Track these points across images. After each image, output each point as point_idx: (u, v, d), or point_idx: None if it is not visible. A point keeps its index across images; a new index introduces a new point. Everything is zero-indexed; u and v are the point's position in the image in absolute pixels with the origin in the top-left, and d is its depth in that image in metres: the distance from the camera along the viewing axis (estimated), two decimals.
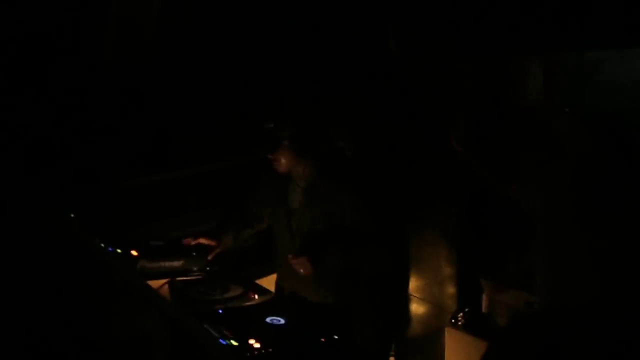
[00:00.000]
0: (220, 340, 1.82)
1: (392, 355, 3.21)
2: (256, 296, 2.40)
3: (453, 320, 2.84)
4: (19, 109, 3.18)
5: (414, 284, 3.19)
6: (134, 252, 2.49)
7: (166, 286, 2.35)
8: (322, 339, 1.94)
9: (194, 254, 2.59)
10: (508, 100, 2.84)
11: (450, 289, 3.02)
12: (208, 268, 2.62)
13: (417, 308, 3.16)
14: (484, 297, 2.79)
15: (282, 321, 2.03)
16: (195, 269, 2.55)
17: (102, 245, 2.49)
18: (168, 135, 3.49)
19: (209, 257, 2.63)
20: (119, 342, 2.25)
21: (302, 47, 3.41)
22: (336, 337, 1.97)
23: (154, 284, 2.29)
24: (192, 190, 3.48)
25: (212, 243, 2.67)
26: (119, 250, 2.48)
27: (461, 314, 2.83)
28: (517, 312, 2.52)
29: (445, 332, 2.88)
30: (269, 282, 2.72)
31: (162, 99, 3.49)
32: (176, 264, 2.51)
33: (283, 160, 2.51)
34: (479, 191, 2.80)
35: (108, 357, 2.22)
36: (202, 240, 2.68)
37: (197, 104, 3.51)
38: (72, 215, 2.82)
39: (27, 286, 2.61)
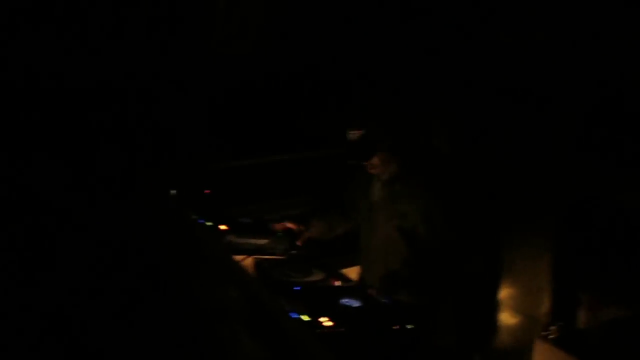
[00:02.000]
0: (292, 314, 1.82)
1: None
2: (337, 283, 2.39)
3: (544, 334, 2.66)
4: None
5: (504, 292, 3.01)
6: (223, 227, 2.57)
7: (250, 262, 2.41)
8: (395, 327, 1.89)
9: (280, 234, 2.64)
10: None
11: (544, 300, 2.82)
12: (294, 251, 2.65)
13: (506, 318, 2.98)
14: (582, 311, 2.58)
15: (357, 304, 2.01)
16: (280, 249, 2.58)
17: (194, 217, 2.59)
18: (271, 121, 3.58)
19: (299, 242, 2.66)
20: (202, 311, 2.32)
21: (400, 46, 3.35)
22: (410, 327, 1.90)
23: (239, 259, 2.34)
24: (289, 176, 3.54)
25: (301, 227, 2.70)
26: (209, 224, 2.58)
27: (554, 327, 2.64)
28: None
29: (535, 346, 2.69)
30: (355, 273, 2.70)
31: (269, 86, 3.60)
32: (262, 242, 2.56)
33: (378, 164, 2.48)
34: (584, 198, 2.61)
35: (190, 324, 2.29)
36: (289, 225, 2.72)
37: (302, 93, 3.59)
38: (173, 192, 2.96)
39: (127, 255, 2.78)
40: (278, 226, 2.66)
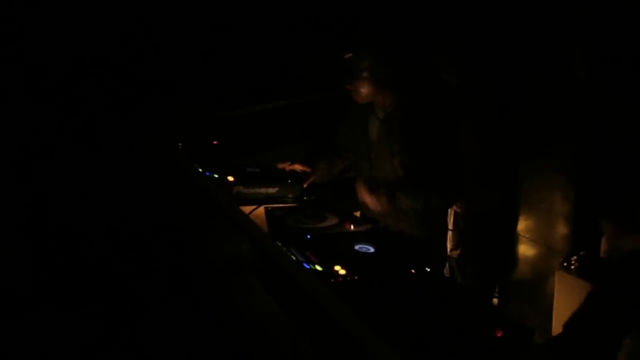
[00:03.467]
0: (305, 265, 1.78)
1: (496, 297, 3.05)
2: (352, 227, 2.33)
3: (565, 264, 2.60)
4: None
5: (523, 223, 2.96)
6: (230, 178, 2.51)
7: (261, 211, 2.36)
8: (413, 270, 1.84)
9: (289, 181, 2.57)
10: None
11: (564, 230, 2.76)
12: (305, 197, 2.59)
13: (525, 249, 2.94)
14: (603, 240, 2.51)
15: (372, 249, 1.95)
16: (290, 196, 2.53)
17: (201, 170, 2.53)
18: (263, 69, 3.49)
19: (304, 185, 2.61)
20: (214, 264, 2.31)
21: None
22: (428, 269, 1.85)
23: (249, 209, 2.29)
24: (289, 122, 3.46)
25: (307, 169, 2.65)
26: (215, 176, 2.51)
27: (575, 257, 2.57)
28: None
29: (556, 276, 2.65)
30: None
31: (256, 33, 3.48)
32: (271, 190, 2.49)
33: (362, 91, 2.39)
34: (604, 125, 2.49)
35: (203, 278, 2.28)
36: (297, 166, 2.67)
37: (290, 36, 3.47)
38: (180, 144, 2.90)
39: (135, 208, 2.77)
40: (285, 165, 2.61)
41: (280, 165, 2.59)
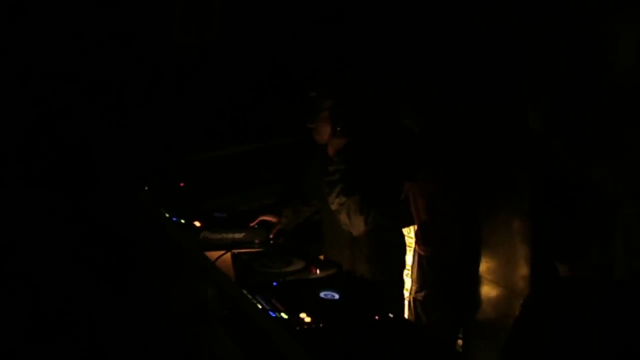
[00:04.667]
0: (270, 313, 1.79)
1: (460, 338, 3.08)
2: (318, 271, 2.36)
3: None
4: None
5: (485, 265, 3.02)
6: (197, 223, 2.52)
7: (227, 257, 2.38)
8: (377, 317, 1.87)
9: (256, 226, 2.60)
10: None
11: (524, 272, 2.83)
12: (271, 241, 2.62)
13: (488, 290, 3.00)
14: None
15: (336, 296, 1.98)
16: (256, 241, 2.55)
17: (167, 215, 2.54)
18: (232, 111, 3.54)
19: (270, 235, 2.64)
20: (179, 310, 2.30)
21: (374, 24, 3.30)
22: (391, 315, 1.89)
23: (215, 254, 2.31)
24: (255, 166, 3.51)
25: (274, 219, 2.68)
26: (182, 221, 2.53)
27: None
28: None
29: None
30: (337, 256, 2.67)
31: (226, 76, 3.55)
32: (238, 235, 2.52)
33: (322, 130, 2.47)
34: (559, 171, 2.60)
35: (168, 324, 2.27)
36: (265, 217, 2.70)
37: (260, 81, 3.54)
38: (146, 188, 2.91)
39: (99, 250, 2.74)
40: (253, 223, 2.62)
41: (250, 224, 2.62)
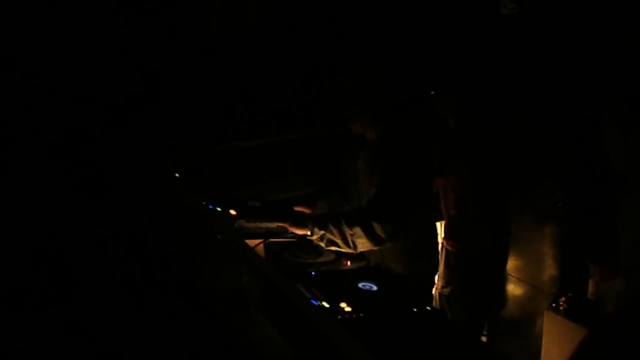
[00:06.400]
0: (312, 301, 1.83)
1: (484, 335, 3.11)
2: (349, 262, 2.40)
3: (554, 305, 2.69)
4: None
5: (513, 263, 3.05)
6: (232, 212, 2.56)
7: (261, 246, 2.42)
8: (415, 309, 1.91)
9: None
10: None
11: (553, 272, 2.86)
12: None
13: (514, 289, 3.03)
14: (591, 282, 2.61)
15: (375, 287, 2.02)
16: (290, 232, 2.58)
17: (204, 203, 2.58)
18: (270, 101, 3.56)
19: None
20: (217, 297, 2.34)
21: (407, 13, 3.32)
22: (429, 308, 1.92)
23: (250, 243, 2.34)
24: (293, 155, 3.53)
25: (307, 211, 2.70)
26: (219, 209, 2.57)
27: (563, 298, 2.67)
28: (627, 301, 2.35)
29: (545, 317, 2.73)
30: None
31: (264, 66, 3.57)
32: (272, 225, 2.55)
33: (358, 121, 2.48)
34: (593, 170, 2.61)
35: (206, 310, 2.31)
36: (298, 208, 2.72)
37: (298, 72, 3.56)
38: (177, 175, 2.94)
39: (134, 241, 2.79)
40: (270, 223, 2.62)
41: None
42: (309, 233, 2.39)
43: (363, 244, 2.36)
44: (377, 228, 2.32)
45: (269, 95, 3.61)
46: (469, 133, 2.84)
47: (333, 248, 2.39)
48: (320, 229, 2.36)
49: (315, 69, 3.53)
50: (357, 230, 2.32)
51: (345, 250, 2.39)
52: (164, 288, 2.48)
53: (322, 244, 2.38)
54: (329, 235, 2.35)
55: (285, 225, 2.45)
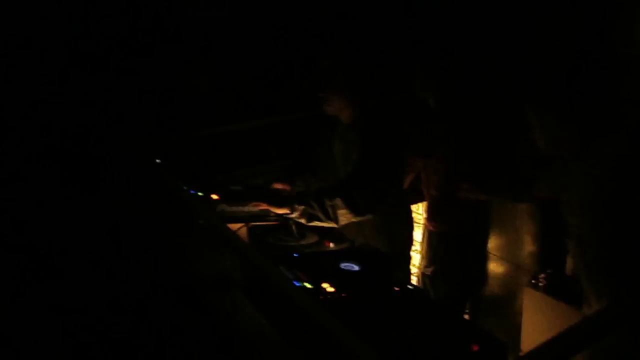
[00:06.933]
0: (295, 282, 1.84)
1: (466, 313, 3.16)
2: (332, 244, 2.41)
3: (533, 281, 2.74)
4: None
5: (493, 242, 3.09)
6: (214, 196, 2.56)
7: (244, 230, 2.42)
8: (396, 288, 1.93)
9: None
10: None
11: (532, 249, 2.90)
12: (285, 215, 2.65)
13: (495, 267, 3.08)
14: (569, 259, 2.66)
15: (356, 268, 2.04)
16: (272, 215, 2.59)
17: (185, 188, 2.57)
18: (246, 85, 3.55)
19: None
20: (200, 281, 2.34)
21: None
22: (411, 286, 1.95)
23: (232, 227, 2.34)
24: (270, 140, 3.53)
25: (287, 188, 2.71)
26: (200, 194, 2.56)
27: (543, 275, 2.72)
28: None
29: (524, 293, 2.78)
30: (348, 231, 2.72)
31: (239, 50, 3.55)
32: (254, 209, 2.55)
33: (334, 101, 2.49)
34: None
35: (190, 295, 2.31)
36: (278, 185, 2.73)
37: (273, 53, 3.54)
38: (158, 161, 2.93)
39: (115, 228, 2.77)
40: (252, 205, 2.62)
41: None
42: (289, 211, 2.40)
43: (344, 215, 2.39)
44: (357, 197, 2.36)
45: (246, 81, 3.59)
46: (450, 114, 2.86)
47: (315, 223, 2.41)
48: (300, 205, 2.37)
49: (288, 54, 3.52)
50: (338, 201, 2.35)
51: (327, 224, 2.42)
52: (147, 274, 2.47)
53: (304, 221, 2.40)
54: (309, 210, 2.37)
55: (265, 205, 2.47)
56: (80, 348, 2.23)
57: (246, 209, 2.53)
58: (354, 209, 2.37)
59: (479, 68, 2.89)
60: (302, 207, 2.38)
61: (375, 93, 2.62)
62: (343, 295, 1.83)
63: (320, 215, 2.38)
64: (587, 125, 2.03)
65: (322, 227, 2.48)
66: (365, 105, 2.55)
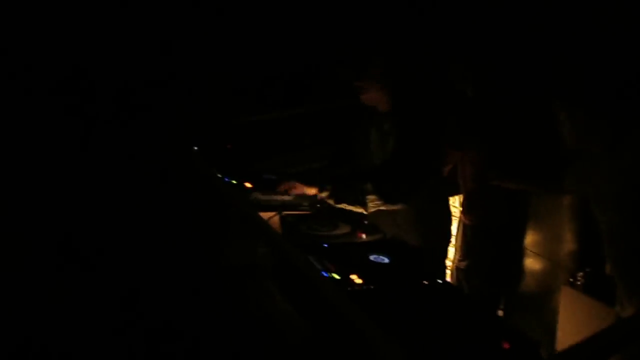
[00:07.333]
0: (323, 273, 1.84)
1: (501, 309, 3.11)
2: (364, 235, 2.40)
3: (571, 280, 2.67)
4: None
5: (531, 238, 3.02)
6: (248, 184, 2.57)
7: (276, 218, 2.43)
8: (425, 282, 1.90)
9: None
10: None
11: (571, 247, 2.82)
12: (318, 205, 2.65)
13: (532, 264, 3.00)
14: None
15: (386, 260, 2.02)
16: (305, 204, 2.59)
17: (219, 176, 2.60)
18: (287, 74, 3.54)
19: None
20: (230, 268, 2.37)
21: None
22: (440, 281, 1.92)
23: (265, 215, 2.36)
24: (309, 129, 3.52)
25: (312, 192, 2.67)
26: (234, 182, 2.58)
27: (581, 273, 2.64)
28: None
29: (562, 292, 2.71)
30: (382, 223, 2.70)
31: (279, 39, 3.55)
32: (287, 198, 2.56)
33: (370, 91, 2.45)
34: None
35: (219, 281, 2.34)
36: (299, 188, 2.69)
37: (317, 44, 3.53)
38: (195, 148, 2.96)
39: (150, 213, 2.82)
40: (283, 187, 2.61)
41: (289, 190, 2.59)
42: (318, 191, 2.41)
43: (372, 202, 2.37)
44: (388, 184, 2.34)
45: (281, 70, 3.59)
46: (487, 105, 2.80)
47: (343, 206, 2.40)
48: (330, 185, 2.38)
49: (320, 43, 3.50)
50: (367, 186, 2.33)
51: (355, 209, 2.40)
52: (179, 260, 2.51)
53: (332, 202, 2.40)
54: (338, 191, 2.37)
55: (295, 185, 2.48)
56: (111, 338, 2.29)
57: (279, 197, 2.53)
58: (383, 196, 2.35)
59: (514, 61, 2.81)
60: (330, 188, 2.36)
61: (412, 83, 2.58)
62: (371, 287, 1.81)
63: (349, 197, 2.36)
64: (618, 121, 1.97)
65: (355, 216, 2.47)
66: (402, 95, 2.52)
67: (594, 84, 2.03)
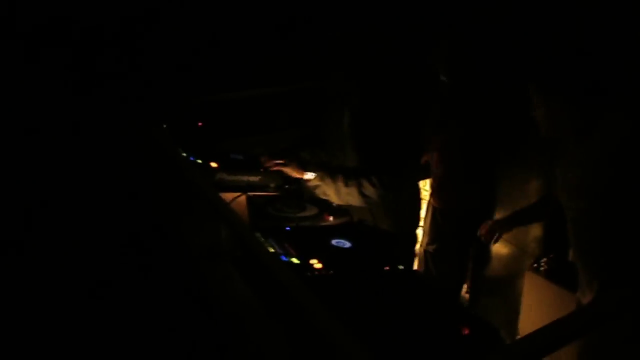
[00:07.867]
0: (282, 257, 1.81)
1: (467, 292, 3.13)
2: (331, 218, 2.38)
3: (535, 265, 2.68)
4: None
5: None
6: (213, 164, 2.53)
7: (242, 199, 2.39)
8: (386, 267, 1.89)
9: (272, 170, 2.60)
10: None
11: (536, 233, 2.84)
12: (286, 186, 2.62)
13: (499, 248, 3.02)
14: None
15: (348, 245, 2.00)
16: (272, 185, 2.55)
17: (184, 154, 2.55)
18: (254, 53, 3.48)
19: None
20: (193, 250, 2.34)
21: None
22: (401, 267, 1.90)
23: (229, 196, 2.32)
24: (278, 109, 3.48)
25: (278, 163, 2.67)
26: (199, 161, 2.53)
27: (545, 259, 2.66)
28: None
29: (526, 277, 2.73)
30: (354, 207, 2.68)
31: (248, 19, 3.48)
32: (254, 178, 2.52)
33: (343, 75, 2.45)
34: None
35: (180, 262, 2.31)
36: (278, 162, 2.68)
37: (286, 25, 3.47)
38: (165, 126, 2.90)
39: (109, 189, 2.77)
40: (268, 164, 2.61)
41: (264, 163, 2.60)
42: (306, 176, 2.46)
43: (352, 196, 2.40)
44: (374, 180, 2.41)
45: (252, 47, 3.53)
46: (465, 90, 2.78)
47: (322, 194, 2.45)
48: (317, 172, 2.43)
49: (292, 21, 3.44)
50: (363, 181, 2.41)
51: (335, 200, 2.39)
52: (139, 240, 2.47)
53: (316, 190, 2.45)
54: (324, 181, 2.43)
55: (289, 167, 2.51)
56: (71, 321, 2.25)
57: (245, 178, 2.50)
58: (383, 186, 2.42)
59: (493, 45, 2.79)
60: (319, 175, 2.43)
61: (387, 69, 2.55)
62: (330, 272, 1.79)
63: (331, 192, 2.44)
64: (589, 108, 1.97)
65: (322, 200, 2.46)
66: (377, 80, 2.49)
67: (569, 69, 2.02)
